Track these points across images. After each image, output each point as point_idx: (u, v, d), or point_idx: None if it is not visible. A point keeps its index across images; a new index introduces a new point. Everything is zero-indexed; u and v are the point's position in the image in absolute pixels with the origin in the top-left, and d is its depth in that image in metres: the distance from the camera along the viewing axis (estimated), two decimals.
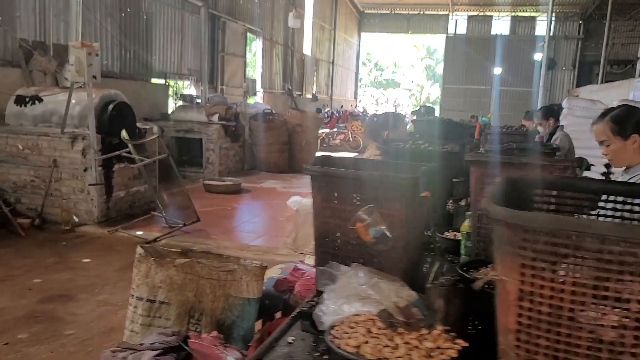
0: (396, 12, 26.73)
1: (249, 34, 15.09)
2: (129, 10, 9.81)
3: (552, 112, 5.67)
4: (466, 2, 24.56)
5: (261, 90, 15.47)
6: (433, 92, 47.59)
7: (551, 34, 25.20)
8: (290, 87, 18.25)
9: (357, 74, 28.46)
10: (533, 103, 25.19)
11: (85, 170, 6.21)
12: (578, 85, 24.68)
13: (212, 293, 2.28)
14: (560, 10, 24.52)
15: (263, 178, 10.16)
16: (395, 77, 48.87)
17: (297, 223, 4.22)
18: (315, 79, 21.45)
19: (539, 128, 5.88)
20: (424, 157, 2.76)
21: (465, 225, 2.15)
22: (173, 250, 2.50)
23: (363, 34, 28.69)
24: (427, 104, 7.34)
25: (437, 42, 46.80)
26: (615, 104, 5.25)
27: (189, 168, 9.72)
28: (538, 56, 18.37)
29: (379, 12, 27.14)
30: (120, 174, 6.59)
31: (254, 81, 14.48)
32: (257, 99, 14.64)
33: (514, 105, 25.16)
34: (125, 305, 2.52)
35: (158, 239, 5.85)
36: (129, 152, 6.16)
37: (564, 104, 11.28)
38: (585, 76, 24.88)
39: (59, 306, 4.05)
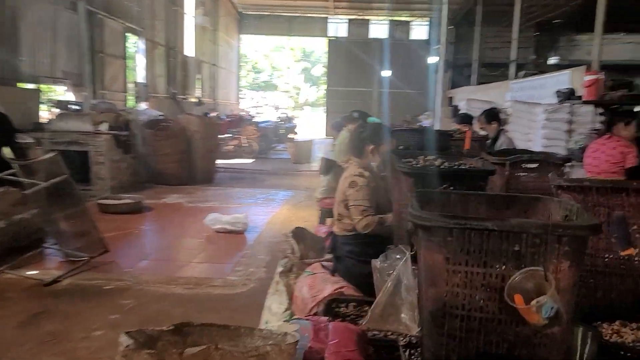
0: (277, 13, 26.37)
1: (128, 34, 13.77)
2: None
3: (495, 115, 5.53)
4: (346, 6, 24.84)
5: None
6: (311, 95, 48.09)
7: (427, 37, 26.59)
8: (174, 91, 17.06)
9: (238, 76, 27.63)
10: (420, 103, 26.37)
11: None
12: (453, 87, 26.14)
13: None
14: (434, 16, 25.76)
15: (163, 192, 9.14)
16: (272, 79, 48.57)
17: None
18: (199, 82, 20.35)
19: (482, 133, 5.73)
20: (465, 180, 2.29)
21: None
22: (163, 328, 1.76)
23: (243, 36, 27.96)
24: (360, 110, 6.94)
25: (313, 44, 47.44)
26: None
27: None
28: (433, 59, 18.99)
29: (258, 13, 26.58)
30: None
31: (146, 86, 13.22)
32: (141, 104, 13.36)
33: (396, 106, 26.01)
34: None
35: (59, 279, 4.79)
36: (14, 174, 5.01)
37: (462, 105, 11.61)
38: (457, 78, 26.42)
39: None
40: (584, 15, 21.22)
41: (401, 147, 4.41)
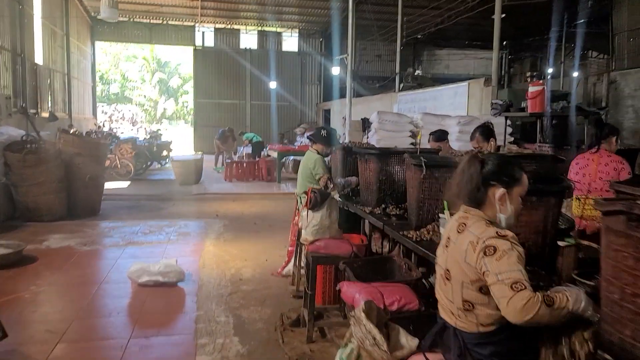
0: (135, 20, 24.06)
1: None
2: None
3: (491, 132, 4.85)
4: (213, 14, 23.45)
5: None
6: (169, 107, 45.33)
7: (296, 49, 26.16)
8: (23, 104, 14.34)
9: (94, 87, 24.68)
10: (295, 116, 25.75)
11: None
12: (325, 99, 26.01)
13: None
14: (303, 27, 25.43)
15: (41, 233, 7.18)
16: (125, 91, 44.94)
17: None
18: (51, 94, 17.54)
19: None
20: None
21: None
22: None
23: (97, 43, 25.12)
24: (326, 127, 5.93)
25: (169, 54, 44.86)
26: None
27: None
28: (335, 70, 18.37)
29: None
30: None
31: (7, 98, 10.74)
32: None
33: (269, 119, 25.17)
34: None
35: None
36: None
37: (373, 117, 11.06)
38: (329, 90, 26.36)
39: None
40: (441, 32, 22.49)
41: None
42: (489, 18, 13.06)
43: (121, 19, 23.87)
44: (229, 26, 24.89)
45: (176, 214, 9.09)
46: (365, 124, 11.19)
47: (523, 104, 7.37)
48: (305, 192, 4.87)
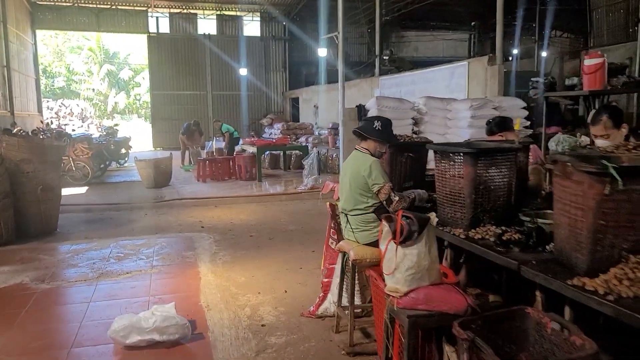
0: (80, 5, 21.87)
1: None
2: None
3: (621, 115, 3.56)
4: None
5: None
6: (120, 101, 42.71)
7: (259, 34, 24.51)
8: None
9: (38, 81, 22.34)
10: (260, 106, 24.15)
11: None
12: (291, 87, 24.50)
13: None
14: (265, 10, 23.81)
15: None
16: (71, 85, 42.02)
17: None
18: None
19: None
20: None
21: None
22: None
23: (39, 32, 22.78)
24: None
25: (119, 45, 42.23)
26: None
27: None
28: (322, 52, 16.79)
29: (56, 4, 21.76)
30: None
31: None
32: None
33: (233, 110, 23.57)
34: None
35: None
36: None
37: (370, 104, 9.78)
38: (295, 77, 24.87)
39: None
40: (409, 13, 21.37)
41: None
42: None
43: (64, 3, 21.70)
44: (185, 10, 23.02)
45: (152, 227, 7.56)
46: (362, 112, 9.93)
47: (567, 81, 6.22)
48: (360, 210, 3.55)
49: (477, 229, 3.03)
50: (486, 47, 24.72)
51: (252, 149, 12.81)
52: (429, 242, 2.58)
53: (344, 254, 3.72)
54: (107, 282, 5.06)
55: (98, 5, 22.14)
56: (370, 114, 9.44)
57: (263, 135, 21.03)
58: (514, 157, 3.18)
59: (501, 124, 4.27)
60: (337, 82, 18.93)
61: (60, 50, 42.42)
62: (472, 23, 25.44)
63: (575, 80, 6.34)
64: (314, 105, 20.43)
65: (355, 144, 3.75)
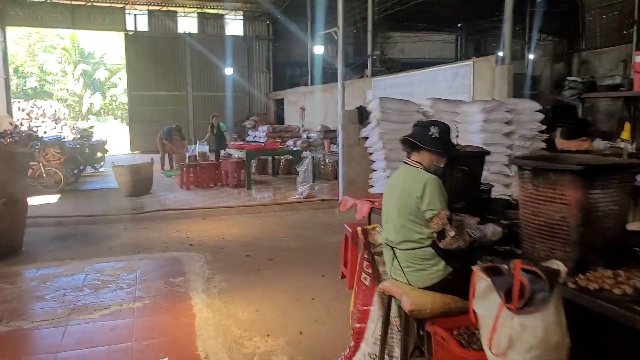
0: (54, 1, 20.68)
1: None
2: None
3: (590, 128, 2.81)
4: None
5: None
6: (96, 102, 41.24)
7: (242, 33, 23.58)
8: None
9: (7, 80, 21.06)
10: (243, 107, 23.16)
11: None
12: (275, 88, 23.60)
13: None
14: (247, 9, 22.90)
15: None
16: (44, 85, 40.40)
17: None
18: None
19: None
20: None
21: None
22: None
23: (9, 29, 21.51)
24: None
25: (93, 44, 40.83)
26: None
27: None
28: (318, 49, 15.69)
29: None
30: None
31: None
32: None
33: (205, 111, 22.48)
34: None
35: None
36: None
37: (373, 106, 8.99)
38: (279, 78, 23.99)
39: None
40: (395, 14, 20.70)
41: None
42: None
43: None
44: (164, 8, 21.98)
45: (133, 245, 6.63)
46: (363, 115, 9.13)
47: (608, 81, 5.51)
48: (413, 242, 2.72)
49: (588, 274, 2.24)
50: (469, 49, 24.30)
51: (238, 154, 11.91)
52: (557, 308, 1.77)
53: (390, 298, 2.89)
54: (81, 321, 4.14)
55: (73, 2, 20.96)
56: (373, 116, 8.65)
57: (247, 139, 20.07)
58: (632, 177, 2.40)
59: (584, 126, 3.48)
60: (326, 83, 18.26)
61: (32, 50, 40.80)
62: (459, 25, 24.97)
63: (618, 79, 5.64)
64: (301, 107, 19.61)
65: (403, 156, 2.93)
